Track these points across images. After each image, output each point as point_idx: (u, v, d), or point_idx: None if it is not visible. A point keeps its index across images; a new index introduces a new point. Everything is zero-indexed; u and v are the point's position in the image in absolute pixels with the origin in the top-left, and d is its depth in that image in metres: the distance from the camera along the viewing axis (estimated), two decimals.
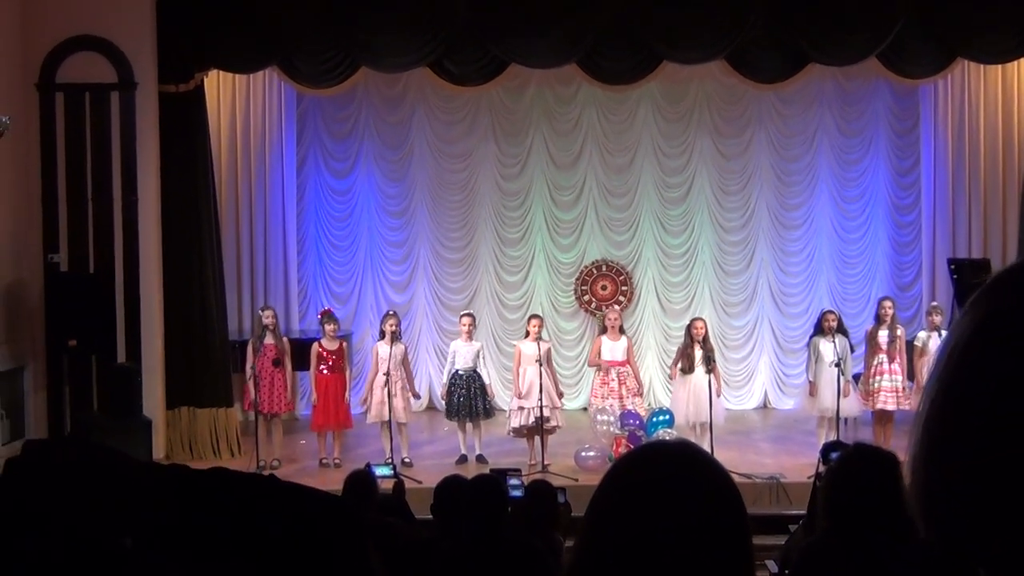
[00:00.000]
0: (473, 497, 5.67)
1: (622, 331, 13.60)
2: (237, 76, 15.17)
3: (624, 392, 13.17)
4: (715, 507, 1.76)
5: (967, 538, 1.04)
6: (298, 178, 16.56)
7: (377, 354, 13.23)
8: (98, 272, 13.76)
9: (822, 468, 7.61)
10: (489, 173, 16.86)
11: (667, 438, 12.73)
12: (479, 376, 13.37)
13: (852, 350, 13.18)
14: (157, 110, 13.87)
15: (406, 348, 13.66)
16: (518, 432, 13.23)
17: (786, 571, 5.87)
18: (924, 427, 1.11)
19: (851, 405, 12.86)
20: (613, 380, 13.24)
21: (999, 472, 1.01)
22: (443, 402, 13.90)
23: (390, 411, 12.92)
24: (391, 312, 13.81)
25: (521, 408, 13.08)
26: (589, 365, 14.47)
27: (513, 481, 7.98)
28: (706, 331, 13.14)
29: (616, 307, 14.98)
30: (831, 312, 13.30)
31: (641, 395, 13.66)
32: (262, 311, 13.72)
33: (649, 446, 1.96)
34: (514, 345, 14.16)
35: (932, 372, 1.14)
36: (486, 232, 16.92)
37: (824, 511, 4.31)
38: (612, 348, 13.32)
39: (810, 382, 13.25)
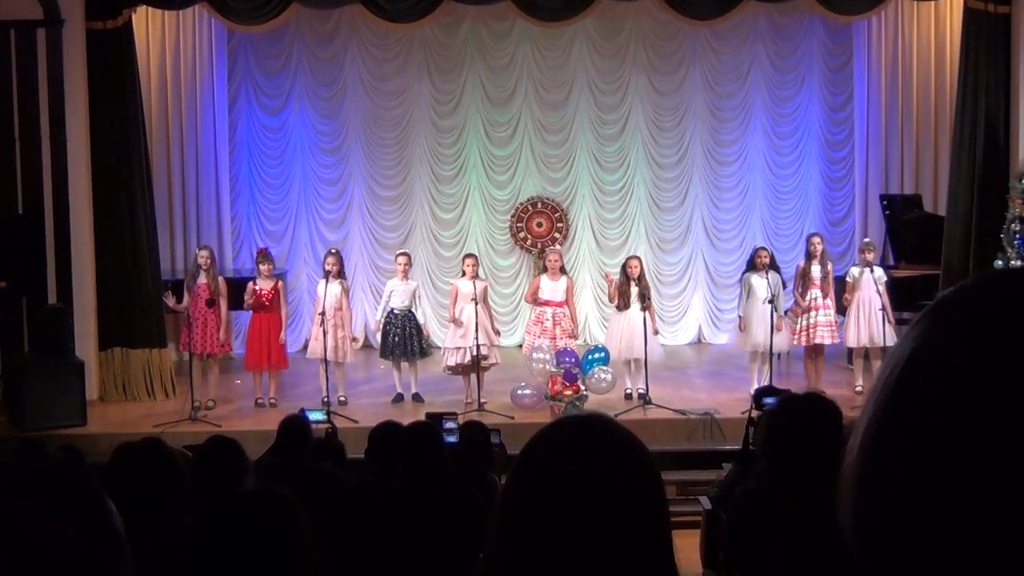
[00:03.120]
0: (408, 446, 5.67)
1: (563, 271, 13.60)
2: (166, 12, 14.91)
3: (558, 332, 13.19)
4: (628, 471, 1.82)
5: (899, 568, 1.00)
6: (230, 116, 16.35)
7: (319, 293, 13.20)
8: (27, 212, 13.56)
9: (755, 413, 7.68)
10: (423, 110, 16.74)
11: (603, 375, 12.82)
12: (414, 316, 13.35)
13: (784, 286, 13.29)
14: (85, 48, 13.61)
15: (344, 288, 13.48)
16: (454, 370, 13.26)
17: (720, 512, 5.95)
18: (860, 444, 1.05)
19: (781, 341, 13.02)
20: (548, 320, 13.25)
21: (927, 503, 0.97)
22: (378, 339, 13.87)
23: (324, 349, 12.90)
24: (331, 250, 13.72)
25: (458, 348, 13.10)
26: (526, 301, 14.49)
27: (449, 425, 8.00)
28: (641, 269, 13.19)
29: (557, 247, 14.97)
30: (764, 249, 13.39)
31: (575, 336, 13.70)
32: (199, 250, 13.56)
33: (565, 417, 2.04)
34: (450, 283, 14.13)
35: (873, 388, 1.09)
36: (421, 170, 16.82)
37: (765, 456, 4.33)
38: (552, 288, 13.32)
39: (740, 317, 13.41)
